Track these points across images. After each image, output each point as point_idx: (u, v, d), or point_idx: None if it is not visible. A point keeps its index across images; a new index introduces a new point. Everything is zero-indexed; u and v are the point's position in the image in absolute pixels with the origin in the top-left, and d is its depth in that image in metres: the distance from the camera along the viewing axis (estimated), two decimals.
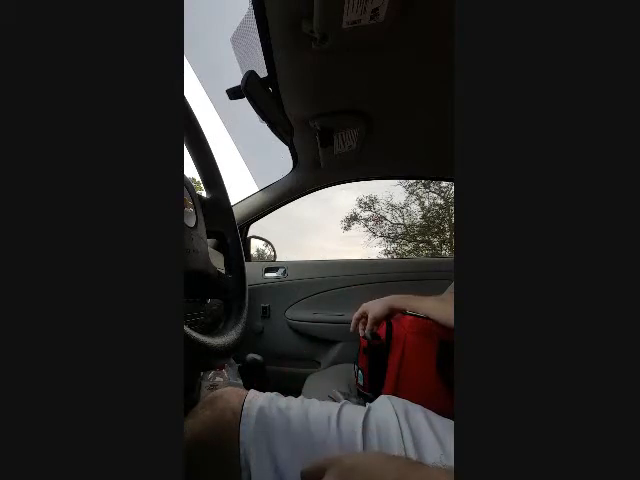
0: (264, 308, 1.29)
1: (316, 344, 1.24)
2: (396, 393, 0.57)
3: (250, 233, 1.41)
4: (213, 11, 0.80)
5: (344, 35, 0.56)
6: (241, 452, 0.38)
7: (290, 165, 1.17)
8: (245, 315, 0.45)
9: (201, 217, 0.42)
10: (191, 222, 0.39)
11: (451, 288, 0.95)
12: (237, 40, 0.67)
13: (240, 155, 1.21)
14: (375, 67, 0.68)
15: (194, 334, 0.30)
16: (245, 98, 0.69)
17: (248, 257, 1.44)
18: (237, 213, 1.28)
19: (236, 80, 0.68)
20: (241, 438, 0.38)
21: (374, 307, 0.68)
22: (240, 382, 0.92)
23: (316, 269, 1.32)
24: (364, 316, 0.71)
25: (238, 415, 0.40)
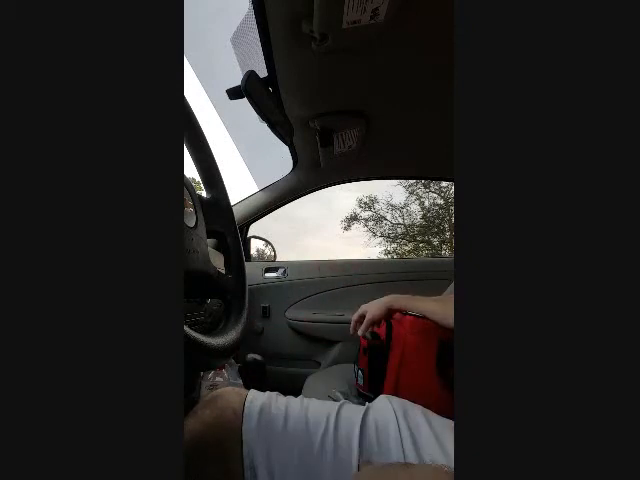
0: (264, 308, 1.29)
1: (316, 344, 1.24)
2: (396, 393, 0.57)
3: (250, 233, 1.42)
4: (213, 11, 0.80)
5: (344, 35, 0.56)
6: (245, 452, 0.38)
7: (290, 165, 1.17)
8: (245, 315, 0.45)
9: (201, 217, 0.42)
10: (191, 222, 0.39)
11: (451, 289, 0.95)
12: (237, 40, 0.67)
13: (240, 155, 1.21)
14: (375, 67, 0.68)
15: (194, 334, 0.29)
16: (245, 98, 0.69)
17: (248, 257, 1.44)
18: (237, 213, 1.28)
19: (236, 80, 0.68)
20: (244, 437, 0.38)
21: (372, 308, 0.68)
22: (240, 382, 0.92)
23: (316, 269, 1.32)
24: (363, 317, 0.71)
25: (239, 415, 0.40)
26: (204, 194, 0.50)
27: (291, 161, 1.14)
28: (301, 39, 0.58)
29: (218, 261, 0.52)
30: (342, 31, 0.54)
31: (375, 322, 0.67)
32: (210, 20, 0.82)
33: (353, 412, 0.43)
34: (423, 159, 1.18)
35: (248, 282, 0.50)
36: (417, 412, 0.43)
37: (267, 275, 1.34)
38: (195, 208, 0.42)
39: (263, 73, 0.70)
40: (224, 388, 0.46)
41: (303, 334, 1.25)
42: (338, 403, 0.45)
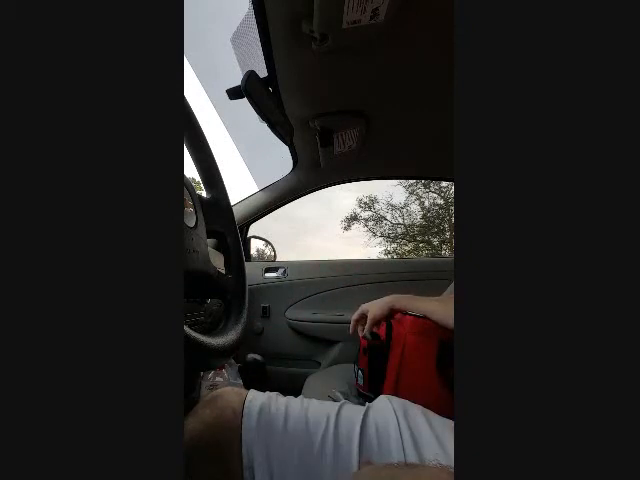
0: (264, 308, 1.29)
1: (316, 344, 1.24)
2: (396, 393, 0.57)
3: (250, 233, 1.42)
4: (213, 11, 0.80)
5: (344, 35, 0.56)
6: (244, 451, 0.38)
7: (290, 165, 1.17)
8: (245, 315, 0.45)
9: (201, 217, 0.42)
10: (191, 222, 0.39)
11: (451, 289, 0.95)
12: (237, 40, 0.67)
13: (240, 155, 1.21)
14: (375, 67, 0.68)
15: (194, 334, 0.29)
16: (245, 98, 0.69)
17: (248, 257, 1.44)
18: (237, 213, 1.28)
19: (236, 80, 0.68)
20: (244, 437, 0.38)
21: (374, 307, 0.68)
22: (240, 382, 0.92)
23: (316, 269, 1.32)
24: (363, 317, 0.71)
25: (239, 414, 0.40)
26: (204, 194, 0.50)
27: (291, 161, 1.14)
28: (301, 39, 0.58)
29: (218, 261, 0.52)
30: (342, 31, 0.54)
31: (376, 322, 0.67)
32: (210, 20, 0.82)
33: (353, 412, 0.43)
34: (423, 159, 1.18)
35: (248, 282, 0.50)
36: (417, 412, 0.43)
37: (267, 275, 1.34)
38: (195, 208, 0.42)
39: (263, 73, 0.70)
40: (224, 388, 0.46)
41: (303, 334, 1.25)
42: (338, 403, 0.45)
